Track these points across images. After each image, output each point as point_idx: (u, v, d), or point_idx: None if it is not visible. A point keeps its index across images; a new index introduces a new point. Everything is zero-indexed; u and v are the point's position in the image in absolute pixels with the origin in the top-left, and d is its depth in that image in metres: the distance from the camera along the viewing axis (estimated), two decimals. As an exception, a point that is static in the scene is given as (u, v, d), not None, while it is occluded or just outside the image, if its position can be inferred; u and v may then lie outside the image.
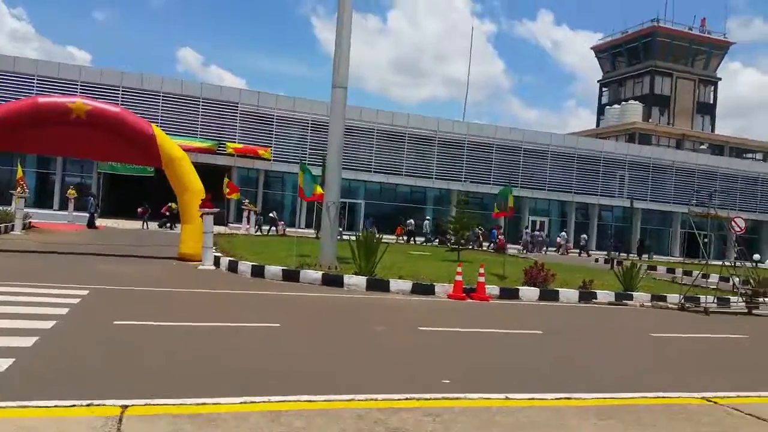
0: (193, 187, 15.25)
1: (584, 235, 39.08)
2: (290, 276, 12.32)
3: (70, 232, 23.06)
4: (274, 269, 12.60)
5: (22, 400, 3.99)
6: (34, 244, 17.23)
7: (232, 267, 13.50)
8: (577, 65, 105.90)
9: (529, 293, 12.63)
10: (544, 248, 35.72)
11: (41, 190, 33.21)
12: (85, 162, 32.16)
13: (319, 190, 13.99)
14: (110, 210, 35.90)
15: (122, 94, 32.99)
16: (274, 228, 30.57)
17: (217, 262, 14.19)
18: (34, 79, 31.40)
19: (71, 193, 29.49)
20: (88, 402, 4.06)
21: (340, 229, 30.33)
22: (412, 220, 33.57)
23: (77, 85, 31.95)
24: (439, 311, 10.30)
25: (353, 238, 13.39)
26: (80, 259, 14.07)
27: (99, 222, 27.08)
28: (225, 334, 6.97)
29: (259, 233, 29.55)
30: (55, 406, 3.94)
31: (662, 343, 8.99)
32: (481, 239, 32.16)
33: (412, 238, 32.79)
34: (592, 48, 64.45)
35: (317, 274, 12.23)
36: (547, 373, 6.25)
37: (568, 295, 12.91)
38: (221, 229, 28.52)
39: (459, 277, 11.83)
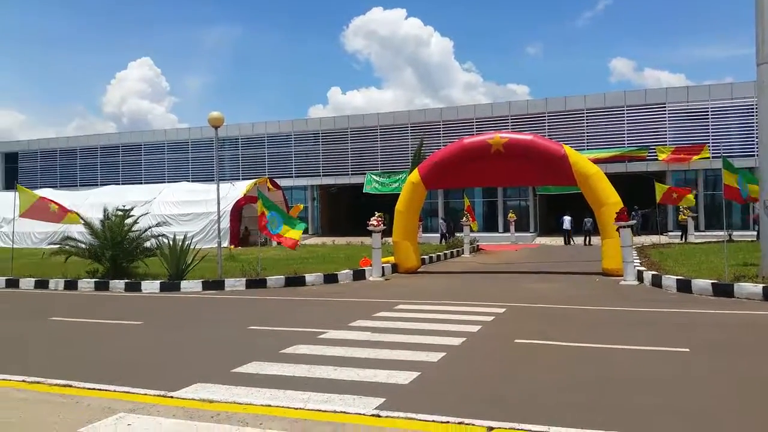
0: (610, 201, 14.90)
1: None
2: (722, 290, 10.64)
3: (510, 252, 25.45)
4: (702, 283, 11.11)
5: (413, 412, 4.61)
6: (477, 264, 19.67)
7: (656, 281, 12.51)
8: None
9: None
10: None
11: (489, 216, 37.59)
12: (523, 187, 34.94)
13: (755, 189, 11.69)
14: (547, 228, 38.11)
15: (548, 119, 34.87)
16: None
17: (640, 276, 13.40)
18: (473, 121, 36.14)
19: (511, 216, 32.56)
20: (459, 420, 4.43)
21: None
22: None
23: (508, 119, 35.32)
24: None
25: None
26: (510, 278, 15.36)
27: (537, 240, 28.95)
28: (621, 358, 6.51)
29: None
30: (433, 421, 4.43)
31: None
32: None
33: None
34: None
35: (757, 288, 10.21)
36: None
37: None
38: (656, 238, 26.74)
39: None
